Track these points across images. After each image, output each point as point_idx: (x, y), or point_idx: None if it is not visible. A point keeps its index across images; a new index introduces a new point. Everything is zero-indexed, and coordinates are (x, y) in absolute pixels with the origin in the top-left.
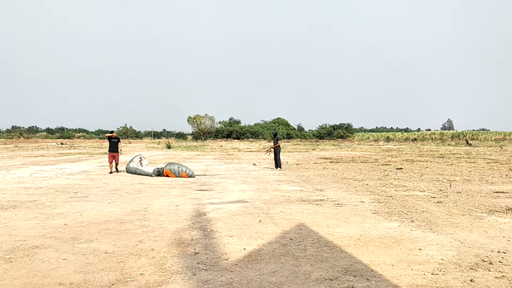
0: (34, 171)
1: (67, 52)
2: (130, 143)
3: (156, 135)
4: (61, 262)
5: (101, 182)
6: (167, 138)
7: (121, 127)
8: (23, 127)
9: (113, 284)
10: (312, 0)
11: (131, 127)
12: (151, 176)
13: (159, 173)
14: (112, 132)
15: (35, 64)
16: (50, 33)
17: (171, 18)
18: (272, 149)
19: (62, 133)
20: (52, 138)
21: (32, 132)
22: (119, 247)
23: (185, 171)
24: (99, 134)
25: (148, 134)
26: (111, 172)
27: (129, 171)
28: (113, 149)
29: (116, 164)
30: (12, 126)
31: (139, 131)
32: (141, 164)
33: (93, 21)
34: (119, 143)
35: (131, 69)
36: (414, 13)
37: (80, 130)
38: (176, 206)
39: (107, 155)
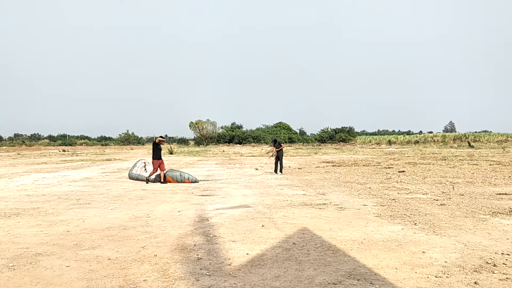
0: (36, 179)
1: (68, 59)
2: (132, 149)
3: None
4: (64, 269)
5: (104, 189)
6: (169, 143)
7: (123, 133)
8: (25, 135)
9: None
10: (311, 5)
11: (133, 133)
12: (154, 182)
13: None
14: (162, 137)
15: (36, 72)
16: (50, 39)
17: (171, 23)
18: (275, 153)
19: (64, 140)
20: (54, 145)
21: (34, 139)
22: (122, 253)
23: (188, 178)
24: (101, 140)
25: (150, 140)
26: (163, 182)
27: (131, 177)
28: (160, 155)
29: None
30: (15, 134)
31: (141, 137)
32: (145, 169)
33: (92, 26)
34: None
35: (131, 75)
36: (414, 15)
37: (82, 137)
38: (179, 211)
39: (153, 162)
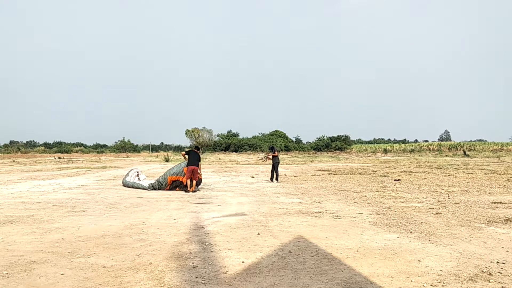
0: (31, 186)
1: (64, 66)
2: (128, 156)
3: (154, 148)
4: (58, 277)
5: (99, 196)
6: (165, 151)
7: (119, 140)
8: (21, 142)
9: None
10: (310, 14)
11: (129, 140)
12: (147, 189)
13: (157, 187)
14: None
15: (32, 79)
16: (46, 46)
17: (168, 31)
18: (269, 157)
19: (60, 148)
20: (50, 153)
21: (30, 146)
22: (117, 261)
23: (175, 174)
24: (96, 148)
25: (146, 148)
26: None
27: (126, 185)
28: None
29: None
30: (10, 141)
31: (137, 145)
32: (138, 178)
33: (89, 33)
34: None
35: (128, 82)
36: (410, 26)
37: (78, 144)
38: (174, 219)
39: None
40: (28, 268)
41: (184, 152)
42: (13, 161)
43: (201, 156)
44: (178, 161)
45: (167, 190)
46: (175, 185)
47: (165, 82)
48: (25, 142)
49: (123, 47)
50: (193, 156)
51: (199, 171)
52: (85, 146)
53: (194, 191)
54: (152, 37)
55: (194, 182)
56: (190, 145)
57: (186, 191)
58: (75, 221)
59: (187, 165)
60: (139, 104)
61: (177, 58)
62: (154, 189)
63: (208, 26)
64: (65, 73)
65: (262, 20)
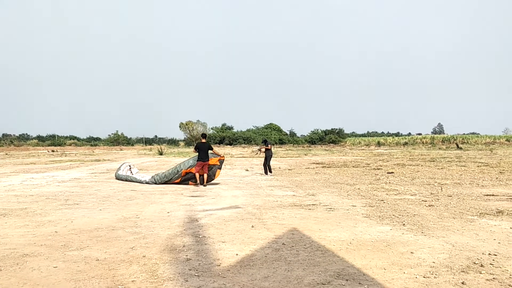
0: (24, 179)
1: (57, 60)
2: (121, 150)
3: (148, 141)
4: (51, 270)
5: (93, 189)
6: (159, 144)
7: (112, 134)
8: (14, 135)
9: None
10: (304, 7)
11: (122, 133)
12: (142, 183)
13: (160, 181)
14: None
15: (25, 72)
16: (41, 40)
17: (162, 24)
18: (262, 151)
19: (53, 141)
20: (43, 146)
21: (23, 139)
22: (110, 254)
23: (189, 167)
24: (90, 141)
25: (139, 141)
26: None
27: (119, 178)
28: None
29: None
30: (3, 134)
31: (131, 138)
32: (130, 172)
33: (83, 27)
34: (210, 149)
35: (122, 76)
36: (404, 18)
37: (71, 137)
38: (168, 212)
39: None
40: (21, 261)
41: (194, 149)
42: (6, 154)
43: (190, 149)
44: (172, 155)
45: (176, 182)
46: (188, 177)
47: (159, 75)
48: (18, 135)
49: (117, 41)
50: (202, 150)
51: (218, 153)
52: (78, 139)
53: (205, 185)
54: (146, 30)
55: (205, 176)
56: (184, 138)
57: (196, 184)
58: (68, 214)
59: (197, 160)
60: (132, 97)
61: (172, 51)
62: (155, 183)
63: (205, 19)
64: (59, 67)
65: (257, 14)
